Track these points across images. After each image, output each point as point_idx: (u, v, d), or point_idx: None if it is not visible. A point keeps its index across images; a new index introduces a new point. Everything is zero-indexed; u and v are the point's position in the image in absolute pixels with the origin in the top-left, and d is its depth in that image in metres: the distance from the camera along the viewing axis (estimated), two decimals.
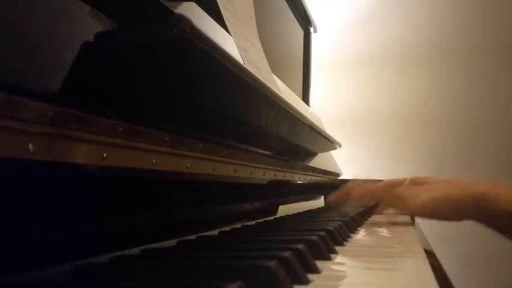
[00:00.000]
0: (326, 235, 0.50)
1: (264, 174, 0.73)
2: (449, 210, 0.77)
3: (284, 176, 0.85)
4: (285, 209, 1.00)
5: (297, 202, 1.16)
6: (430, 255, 0.52)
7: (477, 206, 0.74)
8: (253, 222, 0.74)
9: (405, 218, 0.94)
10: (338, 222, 0.64)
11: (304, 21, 1.64)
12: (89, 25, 0.35)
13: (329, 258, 0.44)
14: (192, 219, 0.57)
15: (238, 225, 0.69)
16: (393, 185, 0.88)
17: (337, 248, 0.50)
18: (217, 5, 0.57)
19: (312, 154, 1.16)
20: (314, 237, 0.45)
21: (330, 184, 1.39)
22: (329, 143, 1.17)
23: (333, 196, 0.97)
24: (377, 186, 0.87)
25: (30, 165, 0.27)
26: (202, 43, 0.38)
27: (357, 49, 2.04)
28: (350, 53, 2.05)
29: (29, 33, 0.29)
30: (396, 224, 0.87)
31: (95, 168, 0.33)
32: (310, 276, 0.35)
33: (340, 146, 1.28)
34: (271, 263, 0.30)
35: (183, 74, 0.42)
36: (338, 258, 0.45)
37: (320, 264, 0.39)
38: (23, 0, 0.29)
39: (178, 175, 0.45)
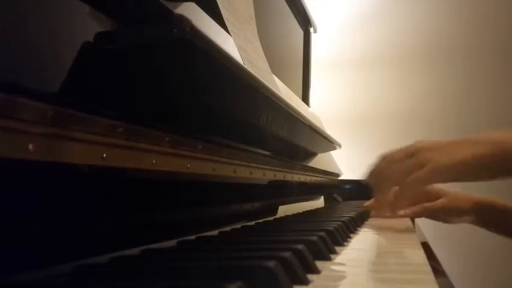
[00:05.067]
0: (326, 235, 0.50)
1: (264, 175, 0.73)
2: (483, 170, 0.70)
3: (284, 176, 0.85)
4: (285, 209, 1.00)
5: (297, 202, 1.16)
6: (430, 255, 0.52)
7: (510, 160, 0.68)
8: (253, 223, 0.74)
9: (405, 219, 0.94)
10: (338, 223, 0.64)
11: (304, 21, 1.64)
12: (89, 25, 0.35)
13: (328, 259, 0.44)
14: (192, 219, 0.57)
15: (238, 226, 0.69)
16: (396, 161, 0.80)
17: (337, 248, 0.50)
18: (217, 5, 0.57)
19: (312, 154, 1.16)
20: (314, 238, 0.45)
21: (330, 184, 1.39)
22: (329, 143, 1.17)
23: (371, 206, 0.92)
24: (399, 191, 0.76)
25: (30, 165, 0.27)
26: (202, 43, 0.38)
27: (357, 49, 2.04)
28: (349, 53, 2.05)
29: (29, 33, 0.29)
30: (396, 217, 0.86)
31: (95, 168, 0.33)
32: (310, 276, 0.35)
33: (340, 146, 1.28)
34: (271, 263, 0.30)
35: (183, 74, 0.42)
36: (338, 259, 0.45)
37: (319, 264, 0.39)
38: (23, 0, 0.29)
39: (178, 175, 0.45)
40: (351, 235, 0.65)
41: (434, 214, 0.88)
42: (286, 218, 0.88)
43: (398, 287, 0.35)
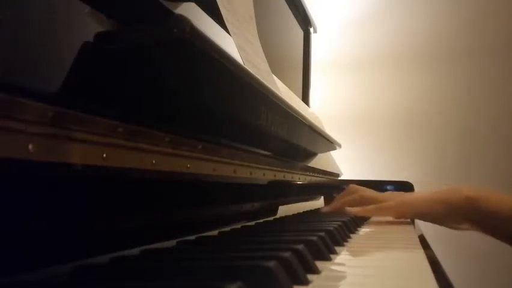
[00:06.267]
0: (326, 235, 0.50)
1: (263, 175, 0.73)
2: (442, 211, 0.83)
3: (284, 177, 0.85)
4: (285, 209, 1.00)
5: (297, 202, 1.16)
6: (430, 255, 0.52)
7: (469, 207, 0.80)
8: (253, 223, 0.74)
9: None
10: (338, 223, 0.64)
11: (304, 21, 1.64)
12: (89, 25, 0.35)
13: (328, 259, 0.44)
14: (192, 219, 0.57)
15: (238, 226, 0.69)
16: (368, 198, 0.93)
17: (337, 248, 0.50)
18: (217, 5, 0.57)
19: (312, 154, 1.16)
20: (314, 238, 0.45)
21: (330, 184, 1.39)
22: (329, 144, 1.17)
23: (327, 209, 1.01)
24: (366, 208, 0.89)
25: (30, 165, 0.27)
26: (202, 43, 0.38)
27: (357, 49, 2.04)
28: (349, 53, 2.05)
29: (29, 33, 0.29)
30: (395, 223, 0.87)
31: (95, 168, 0.33)
32: (310, 276, 0.35)
33: (340, 146, 1.27)
34: (271, 264, 0.30)
35: (183, 74, 0.42)
36: (338, 259, 0.45)
37: (319, 264, 0.39)
38: (23, 0, 0.29)
39: (178, 175, 0.45)
40: (351, 235, 0.65)
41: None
42: (286, 218, 0.88)
43: (398, 287, 0.35)
